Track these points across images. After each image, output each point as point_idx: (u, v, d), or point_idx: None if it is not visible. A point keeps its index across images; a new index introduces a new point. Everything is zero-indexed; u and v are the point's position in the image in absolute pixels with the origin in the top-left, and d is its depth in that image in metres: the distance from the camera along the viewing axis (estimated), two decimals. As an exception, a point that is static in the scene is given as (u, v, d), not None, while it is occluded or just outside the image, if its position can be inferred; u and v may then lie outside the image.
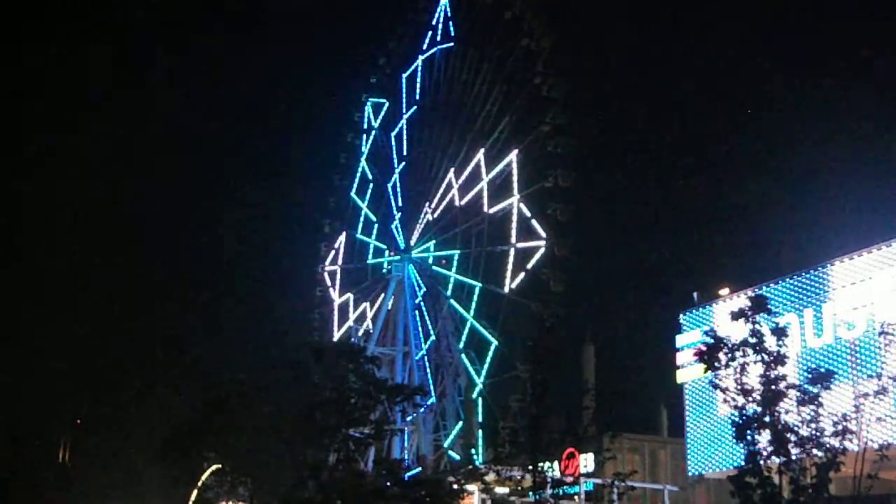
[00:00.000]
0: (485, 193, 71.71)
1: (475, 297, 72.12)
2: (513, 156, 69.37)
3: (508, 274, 67.90)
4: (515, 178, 68.84)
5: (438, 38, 79.96)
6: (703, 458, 40.28)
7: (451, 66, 77.96)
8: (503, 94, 72.44)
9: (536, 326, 61.03)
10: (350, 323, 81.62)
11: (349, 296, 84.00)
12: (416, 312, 77.46)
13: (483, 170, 72.12)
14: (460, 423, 69.48)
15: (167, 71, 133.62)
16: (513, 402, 59.81)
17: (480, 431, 65.39)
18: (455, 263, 75.35)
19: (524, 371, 54.92)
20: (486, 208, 71.33)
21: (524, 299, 65.85)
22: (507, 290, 67.90)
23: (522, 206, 67.72)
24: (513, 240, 68.14)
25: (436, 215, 76.84)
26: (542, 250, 64.97)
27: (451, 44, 78.24)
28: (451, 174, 75.57)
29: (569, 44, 70.52)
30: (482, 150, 72.68)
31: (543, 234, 65.19)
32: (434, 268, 77.51)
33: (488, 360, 69.46)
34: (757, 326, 24.51)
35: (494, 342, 69.12)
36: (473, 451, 61.74)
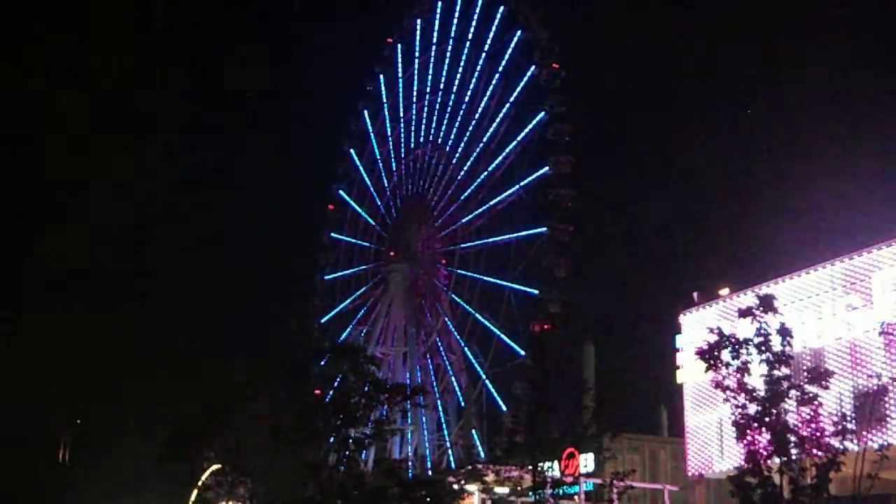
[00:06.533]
0: (485, 186, 72.01)
1: (477, 290, 72.45)
2: (512, 146, 69.72)
3: (510, 264, 68.34)
4: (515, 168, 69.32)
5: (434, 39, 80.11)
6: (703, 458, 40.24)
7: (448, 64, 78.17)
8: (501, 87, 72.78)
9: (540, 313, 61.75)
10: (350, 327, 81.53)
11: (349, 301, 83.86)
12: (417, 311, 77.42)
13: (482, 163, 72.45)
14: (462, 421, 69.57)
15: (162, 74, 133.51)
16: (517, 389, 60.10)
17: (483, 423, 65.58)
18: (456, 258, 75.54)
19: (527, 359, 55.11)
20: (486, 200, 71.60)
21: (527, 287, 66.10)
22: (509, 280, 68.10)
23: (523, 195, 68.14)
24: (514, 229, 68.48)
25: (436, 212, 76.94)
26: (543, 238, 65.26)
27: (448, 43, 78.37)
28: (450, 170, 75.73)
29: (565, 34, 70.87)
30: (482, 143, 72.95)
31: (544, 222, 65.48)
32: (435, 264, 77.53)
33: (491, 351, 69.86)
34: (763, 325, 24.54)
35: (497, 332, 69.27)
36: (476, 436, 61.79)
